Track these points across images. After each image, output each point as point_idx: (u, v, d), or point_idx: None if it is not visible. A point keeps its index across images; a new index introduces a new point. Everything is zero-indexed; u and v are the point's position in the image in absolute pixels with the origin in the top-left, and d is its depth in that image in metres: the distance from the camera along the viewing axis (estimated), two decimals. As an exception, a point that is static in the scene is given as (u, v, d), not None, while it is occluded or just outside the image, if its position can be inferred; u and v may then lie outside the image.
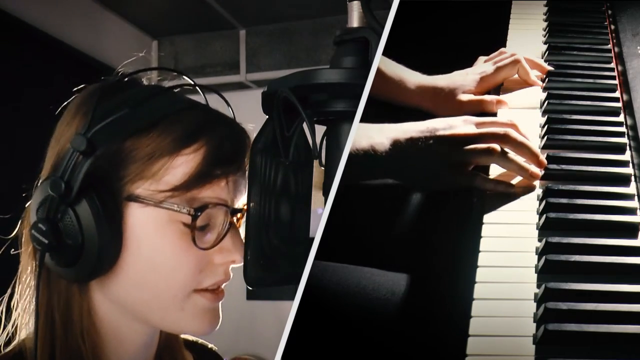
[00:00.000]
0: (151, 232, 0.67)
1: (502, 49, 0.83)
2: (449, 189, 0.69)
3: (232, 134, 0.71)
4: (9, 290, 0.76)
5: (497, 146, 0.66)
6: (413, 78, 0.80)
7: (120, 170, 0.67)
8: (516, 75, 0.81)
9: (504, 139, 0.66)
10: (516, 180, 0.67)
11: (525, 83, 0.80)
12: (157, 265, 0.68)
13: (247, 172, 0.72)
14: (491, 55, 0.83)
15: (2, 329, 0.76)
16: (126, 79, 0.73)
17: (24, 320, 0.75)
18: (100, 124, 0.65)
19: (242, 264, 0.63)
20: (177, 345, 0.84)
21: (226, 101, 0.78)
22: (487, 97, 0.78)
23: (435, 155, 0.66)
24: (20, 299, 0.75)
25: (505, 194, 0.66)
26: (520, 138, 0.67)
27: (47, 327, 0.71)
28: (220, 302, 0.73)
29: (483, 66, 0.82)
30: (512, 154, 0.67)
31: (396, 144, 0.66)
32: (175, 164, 0.67)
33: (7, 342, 0.76)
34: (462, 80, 0.80)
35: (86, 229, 0.65)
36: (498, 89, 0.81)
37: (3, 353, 0.74)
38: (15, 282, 0.75)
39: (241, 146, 0.72)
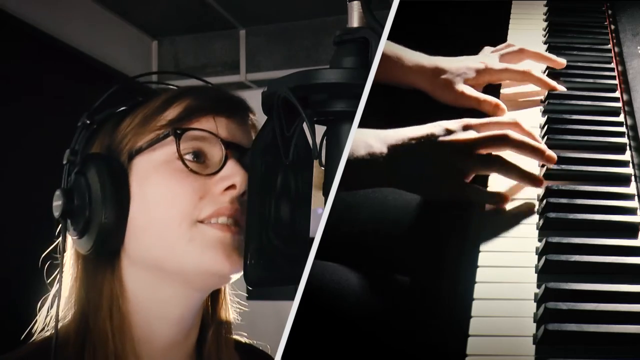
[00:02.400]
0: (151, 174, 0.74)
1: (509, 42, 0.82)
2: (443, 199, 0.68)
3: (214, 89, 0.80)
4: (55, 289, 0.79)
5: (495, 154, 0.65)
6: (412, 57, 0.79)
7: (121, 142, 0.76)
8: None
9: (504, 141, 0.65)
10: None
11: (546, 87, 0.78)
12: (158, 200, 0.73)
13: (241, 123, 0.78)
14: (498, 47, 0.82)
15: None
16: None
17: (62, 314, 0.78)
18: (97, 102, 0.77)
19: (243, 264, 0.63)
20: (227, 345, 0.84)
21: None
22: (487, 98, 0.76)
23: (433, 163, 0.65)
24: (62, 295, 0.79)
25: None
26: (520, 137, 0.65)
27: (81, 316, 0.75)
28: (240, 240, 0.73)
29: (490, 57, 0.81)
30: (512, 163, 0.65)
31: (394, 151, 0.64)
32: (164, 115, 0.76)
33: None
34: (465, 68, 0.79)
35: (92, 183, 0.72)
36: (498, 89, 0.81)
37: (38, 339, 0.78)
38: (58, 280, 0.79)
39: (225, 95, 0.79)
